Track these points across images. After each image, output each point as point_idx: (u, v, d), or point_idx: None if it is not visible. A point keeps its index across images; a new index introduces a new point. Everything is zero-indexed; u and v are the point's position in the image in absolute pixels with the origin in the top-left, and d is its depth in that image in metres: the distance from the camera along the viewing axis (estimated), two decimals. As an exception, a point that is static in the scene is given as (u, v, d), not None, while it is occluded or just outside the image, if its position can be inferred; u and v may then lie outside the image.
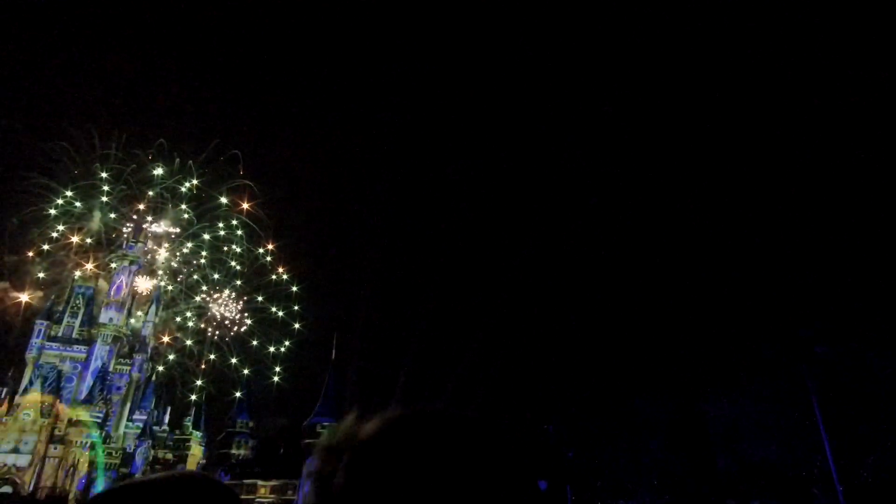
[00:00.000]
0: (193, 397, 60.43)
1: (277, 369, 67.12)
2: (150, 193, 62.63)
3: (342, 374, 61.37)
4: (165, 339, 62.28)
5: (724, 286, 51.25)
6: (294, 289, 69.96)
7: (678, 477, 47.21)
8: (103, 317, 53.69)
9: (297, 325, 69.59)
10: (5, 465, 43.83)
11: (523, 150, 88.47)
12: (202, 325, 66.57)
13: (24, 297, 55.02)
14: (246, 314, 68.43)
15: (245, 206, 67.77)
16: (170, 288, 64.58)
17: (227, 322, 67.43)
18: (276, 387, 65.16)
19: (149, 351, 56.32)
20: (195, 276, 66.17)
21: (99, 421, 49.15)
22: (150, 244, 61.14)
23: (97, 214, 60.60)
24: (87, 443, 48.32)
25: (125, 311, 54.59)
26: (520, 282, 67.62)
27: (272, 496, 55.12)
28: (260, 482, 55.81)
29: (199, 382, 62.63)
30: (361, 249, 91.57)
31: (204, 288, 66.72)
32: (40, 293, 56.55)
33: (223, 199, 66.28)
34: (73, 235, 59.26)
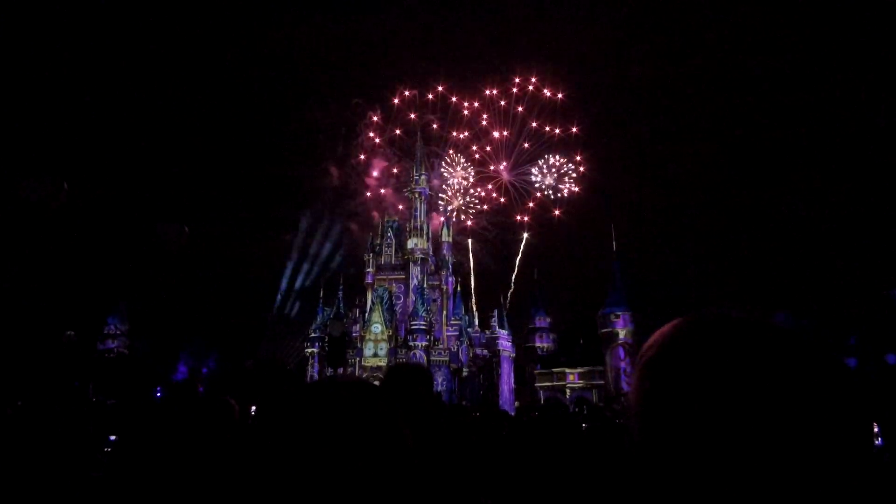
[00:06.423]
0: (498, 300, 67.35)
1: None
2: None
3: (626, 264, 62.06)
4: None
5: None
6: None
7: None
8: (410, 244, 63.09)
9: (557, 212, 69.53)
10: (377, 366, 56.17)
11: None
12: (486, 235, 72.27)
13: None
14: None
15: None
16: (457, 204, 71.11)
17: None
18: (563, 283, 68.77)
19: (450, 266, 64.50)
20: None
21: (425, 328, 59.04)
22: (429, 175, 67.96)
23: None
24: (421, 346, 58.80)
25: (425, 237, 63.22)
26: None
27: (581, 382, 60.41)
28: (567, 370, 61.48)
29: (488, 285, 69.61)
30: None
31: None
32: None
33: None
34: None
